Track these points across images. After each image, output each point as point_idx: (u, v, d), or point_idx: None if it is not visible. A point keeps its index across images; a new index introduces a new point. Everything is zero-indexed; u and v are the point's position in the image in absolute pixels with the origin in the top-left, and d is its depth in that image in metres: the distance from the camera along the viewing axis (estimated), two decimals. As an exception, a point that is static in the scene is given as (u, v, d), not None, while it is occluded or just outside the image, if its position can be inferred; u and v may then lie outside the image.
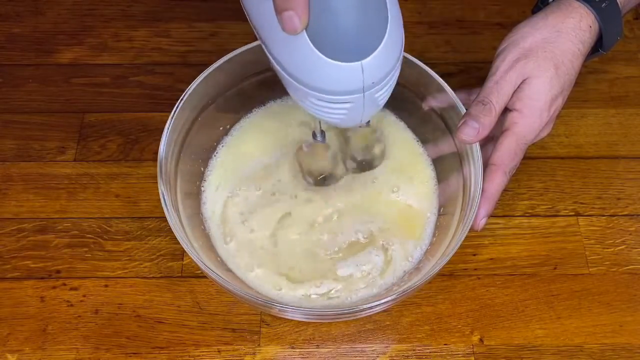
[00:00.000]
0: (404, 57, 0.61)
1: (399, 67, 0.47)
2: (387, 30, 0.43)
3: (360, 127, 0.59)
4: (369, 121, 0.56)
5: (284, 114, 0.67)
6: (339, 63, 0.43)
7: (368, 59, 0.43)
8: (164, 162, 0.57)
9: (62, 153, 0.69)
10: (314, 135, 0.59)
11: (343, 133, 0.65)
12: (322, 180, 0.64)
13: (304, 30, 0.42)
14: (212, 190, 0.64)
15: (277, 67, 0.47)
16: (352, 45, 0.42)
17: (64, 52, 0.76)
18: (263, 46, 0.48)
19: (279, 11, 0.41)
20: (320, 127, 0.58)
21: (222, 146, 0.66)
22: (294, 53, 0.44)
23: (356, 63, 0.43)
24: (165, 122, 0.58)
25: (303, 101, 0.47)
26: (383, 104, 0.48)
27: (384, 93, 0.47)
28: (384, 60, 0.44)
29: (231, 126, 0.67)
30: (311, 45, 0.42)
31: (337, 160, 0.65)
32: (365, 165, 0.65)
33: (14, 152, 0.69)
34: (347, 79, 0.44)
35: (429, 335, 0.60)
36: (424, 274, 0.54)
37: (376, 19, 0.43)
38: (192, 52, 0.76)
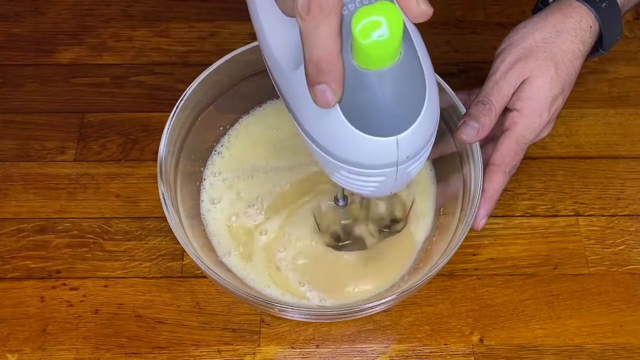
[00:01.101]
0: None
1: (433, 139, 0.45)
2: (425, 105, 0.41)
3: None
4: None
5: (284, 114, 0.67)
6: (373, 138, 0.40)
7: (404, 134, 0.40)
8: (164, 162, 0.57)
9: (62, 153, 0.69)
10: (336, 199, 0.58)
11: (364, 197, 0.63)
12: (338, 242, 0.62)
13: (337, 104, 0.40)
14: (212, 190, 0.64)
15: (306, 138, 0.44)
16: (387, 120, 0.40)
17: (64, 52, 0.76)
18: (291, 115, 0.45)
19: (311, 84, 0.39)
20: (343, 192, 0.57)
21: (222, 146, 0.66)
22: (325, 126, 0.42)
23: (391, 138, 0.40)
24: (165, 122, 0.58)
25: (333, 173, 0.45)
26: (415, 176, 0.47)
27: (417, 166, 0.45)
28: (419, 135, 0.42)
29: (231, 126, 0.67)
30: (344, 119, 0.40)
31: (356, 224, 0.63)
32: (387, 230, 0.63)
33: (14, 152, 0.69)
34: (381, 153, 0.42)
35: (429, 335, 0.60)
36: (424, 274, 0.54)
37: (414, 92, 0.40)
38: (192, 52, 0.76)
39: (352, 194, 0.58)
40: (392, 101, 0.39)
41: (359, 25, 0.36)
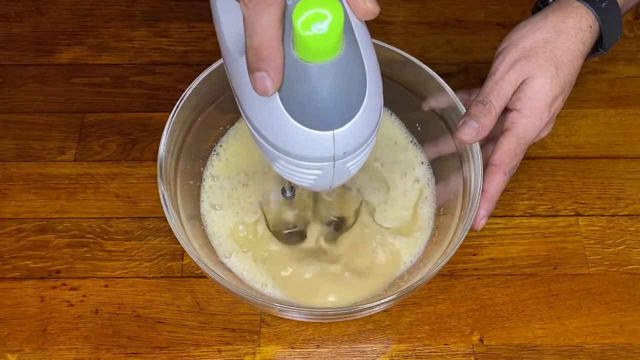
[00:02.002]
0: (404, 57, 0.61)
1: (375, 138, 0.45)
2: (364, 103, 0.41)
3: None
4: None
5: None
6: (310, 130, 0.41)
7: (341, 129, 0.41)
8: (164, 162, 0.57)
9: (62, 153, 0.69)
10: (283, 190, 0.58)
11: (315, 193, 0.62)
12: (289, 236, 0.62)
13: (277, 93, 0.40)
14: (212, 190, 0.64)
15: (249, 126, 0.45)
16: (325, 114, 0.40)
17: (64, 52, 0.76)
18: (237, 102, 0.46)
19: (251, 70, 0.39)
20: (290, 183, 0.57)
21: (222, 146, 0.66)
22: (265, 114, 0.42)
23: (328, 132, 0.41)
24: (165, 122, 0.58)
25: (273, 163, 0.46)
26: (355, 173, 0.47)
27: (356, 163, 0.45)
28: (357, 132, 0.42)
29: (231, 126, 0.67)
30: (283, 109, 0.40)
31: (306, 217, 0.62)
32: (338, 225, 0.63)
33: (14, 152, 0.69)
34: (318, 147, 0.42)
35: (428, 335, 0.60)
36: (424, 274, 0.54)
37: (354, 88, 0.41)
38: (192, 52, 0.76)
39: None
40: (330, 95, 0.40)
41: (300, 17, 0.37)
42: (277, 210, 0.62)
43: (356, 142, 0.43)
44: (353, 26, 0.40)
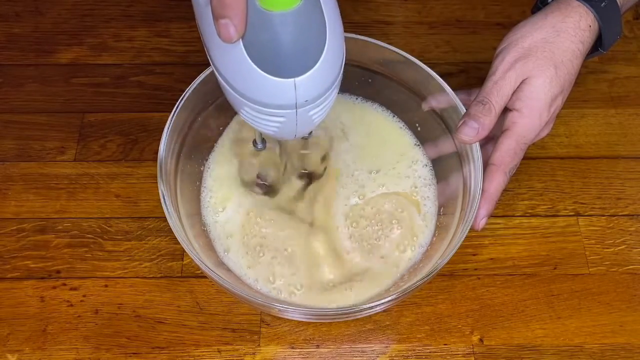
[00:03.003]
0: (404, 57, 0.61)
1: (337, 88, 0.47)
2: (324, 52, 0.43)
3: (304, 138, 0.59)
4: (310, 133, 0.56)
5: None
6: (272, 77, 0.43)
7: (301, 77, 0.43)
8: (164, 162, 0.57)
9: (62, 153, 0.69)
10: (254, 142, 0.59)
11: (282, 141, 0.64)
12: (265, 188, 0.63)
13: (240, 40, 0.42)
14: (212, 189, 0.64)
15: (216, 74, 0.46)
16: (286, 61, 0.42)
17: (64, 52, 0.76)
18: (206, 51, 0.47)
19: (215, 17, 0.41)
20: (261, 135, 0.58)
21: (222, 146, 0.66)
22: (230, 61, 0.44)
23: (289, 80, 0.43)
24: (165, 122, 0.58)
25: (238, 109, 0.47)
26: (318, 122, 0.48)
27: (318, 112, 0.47)
28: (318, 80, 0.44)
29: (231, 126, 0.67)
30: (246, 55, 0.42)
31: (278, 168, 0.64)
32: (309, 174, 0.64)
33: (14, 152, 0.69)
34: (279, 94, 0.44)
35: (428, 335, 0.60)
36: (424, 274, 0.54)
37: (313, 39, 0.42)
38: (192, 52, 0.76)
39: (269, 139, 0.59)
40: (291, 44, 0.42)
41: None
42: (250, 164, 0.63)
43: (317, 91, 0.44)
44: None
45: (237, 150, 0.65)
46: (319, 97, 0.45)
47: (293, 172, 0.64)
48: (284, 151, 0.63)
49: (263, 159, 0.63)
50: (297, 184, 0.64)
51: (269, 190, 0.64)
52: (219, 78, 0.46)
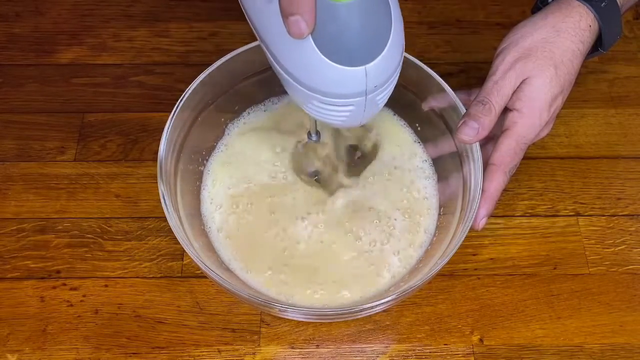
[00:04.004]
0: (404, 57, 0.61)
1: (399, 70, 0.48)
2: (391, 35, 0.44)
3: (313, 142, 0.60)
4: (319, 136, 0.59)
5: (283, 113, 0.67)
6: (344, 67, 0.43)
7: (372, 63, 0.43)
8: (164, 162, 0.57)
9: (62, 153, 0.69)
10: (309, 134, 0.60)
11: (335, 132, 0.65)
12: (314, 177, 0.65)
13: (310, 35, 0.42)
14: (212, 189, 0.64)
15: (278, 69, 0.47)
16: (356, 50, 0.43)
17: (64, 52, 0.76)
18: (263, 47, 0.48)
19: (285, 15, 0.41)
20: (316, 127, 0.59)
21: (222, 146, 0.66)
22: (297, 56, 0.45)
23: (360, 67, 0.43)
24: (165, 122, 0.58)
25: (305, 104, 0.48)
26: (382, 106, 0.49)
27: (384, 95, 0.48)
28: (386, 65, 0.45)
29: (231, 126, 0.67)
30: (316, 49, 0.43)
31: (330, 158, 0.65)
32: (359, 162, 0.65)
33: (14, 152, 0.69)
34: (351, 83, 0.44)
35: (429, 335, 0.60)
36: (424, 274, 0.54)
37: (380, 24, 0.43)
38: (192, 52, 0.76)
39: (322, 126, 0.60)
40: (360, 32, 0.43)
41: None
42: (304, 156, 0.65)
43: (386, 75, 0.45)
44: None
45: (281, 142, 0.65)
46: (387, 81, 0.46)
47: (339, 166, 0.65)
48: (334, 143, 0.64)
49: (313, 151, 0.64)
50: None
51: (315, 179, 0.65)
52: (284, 75, 0.47)
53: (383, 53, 0.44)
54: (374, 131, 0.66)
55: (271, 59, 0.47)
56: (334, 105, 0.46)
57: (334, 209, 0.62)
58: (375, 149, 0.66)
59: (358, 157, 0.66)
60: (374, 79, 0.45)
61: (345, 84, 0.44)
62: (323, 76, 0.44)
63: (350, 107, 0.46)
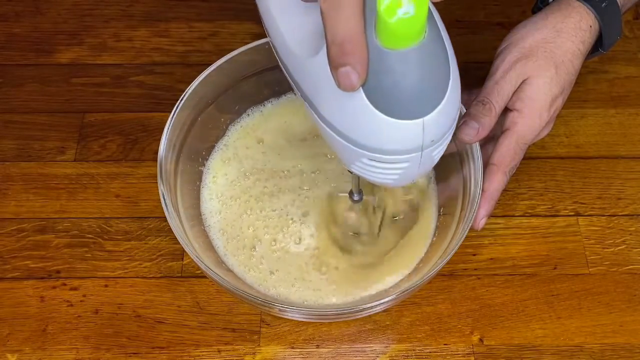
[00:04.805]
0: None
1: (456, 120, 0.43)
2: (450, 85, 0.40)
3: (354, 201, 0.57)
4: (361, 195, 0.54)
5: (284, 114, 0.67)
6: (398, 121, 0.39)
7: (430, 115, 0.39)
8: (164, 162, 0.57)
9: (62, 153, 0.69)
10: (351, 194, 0.57)
11: (375, 189, 0.62)
12: (354, 235, 0.62)
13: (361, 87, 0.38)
14: (212, 189, 0.64)
15: (323, 126, 0.43)
16: (413, 102, 0.39)
17: (64, 52, 0.76)
18: (305, 102, 0.44)
19: (334, 66, 0.37)
20: (359, 186, 0.55)
21: (222, 145, 0.66)
22: (346, 111, 0.40)
23: (418, 120, 0.39)
24: (165, 122, 0.58)
25: (353, 162, 0.43)
26: (437, 160, 0.45)
27: (440, 150, 0.43)
28: (445, 116, 0.40)
29: (231, 126, 0.67)
30: (368, 102, 0.38)
31: (368, 217, 0.62)
32: (399, 223, 0.62)
33: (14, 152, 0.69)
34: (407, 137, 0.40)
35: (428, 335, 0.60)
36: (424, 274, 0.54)
37: (439, 72, 0.39)
38: (192, 52, 0.76)
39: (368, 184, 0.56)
40: (418, 82, 0.38)
41: (384, 3, 0.35)
42: (341, 214, 0.62)
43: (444, 128, 0.41)
44: (431, 9, 0.39)
45: (281, 142, 0.63)
46: (445, 134, 0.42)
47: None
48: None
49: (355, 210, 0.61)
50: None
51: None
52: (329, 132, 0.42)
53: (442, 103, 0.39)
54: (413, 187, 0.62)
55: (315, 116, 0.43)
56: (386, 162, 0.42)
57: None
58: (413, 207, 0.62)
59: (397, 217, 0.62)
60: (432, 133, 0.40)
61: (401, 139, 0.40)
62: (375, 131, 0.40)
63: (405, 164, 0.42)
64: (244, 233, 0.62)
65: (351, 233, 0.62)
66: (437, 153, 0.43)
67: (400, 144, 0.41)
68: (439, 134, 0.41)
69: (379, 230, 0.62)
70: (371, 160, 0.42)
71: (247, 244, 0.61)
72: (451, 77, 0.40)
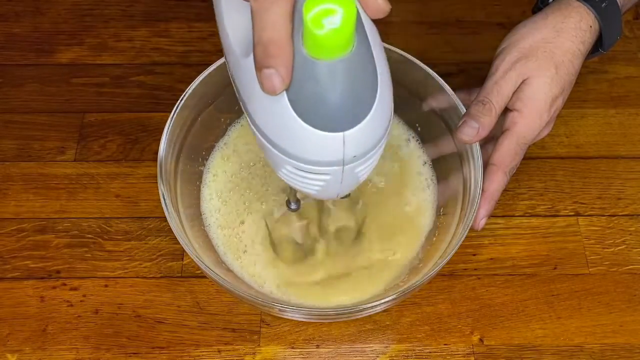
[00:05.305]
0: (404, 57, 0.61)
1: (385, 141, 0.43)
2: (375, 103, 0.39)
3: (339, 198, 0.55)
4: (348, 193, 0.52)
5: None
6: (319, 132, 0.38)
7: (351, 131, 0.39)
8: (164, 162, 0.57)
9: (62, 153, 0.69)
10: (288, 202, 0.56)
11: (320, 202, 0.61)
12: (294, 252, 0.61)
13: (285, 92, 0.38)
14: (212, 189, 0.64)
15: (252, 129, 0.43)
16: (335, 114, 0.38)
17: (64, 52, 0.76)
18: (241, 105, 0.44)
19: (259, 67, 0.37)
20: (296, 195, 0.55)
21: (222, 145, 0.66)
22: (271, 115, 0.40)
23: (338, 134, 0.39)
24: (165, 122, 0.58)
25: (279, 168, 0.43)
26: (363, 179, 0.45)
27: (365, 168, 0.43)
28: (368, 134, 0.40)
29: (231, 126, 0.67)
30: (290, 109, 0.38)
31: (309, 232, 0.61)
32: (342, 239, 0.62)
33: (14, 152, 0.69)
34: (327, 149, 0.40)
35: (428, 335, 0.60)
36: (424, 274, 0.54)
37: (364, 89, 0.39)
38: (192, 52, 0.76)
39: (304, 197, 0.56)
40: (341, 95, 0.38)
41: (311, 12, 0.35)
42: (281, 224, 0.61)
43: (367, 145, 0.41)
44: (364, 24, 0.39)
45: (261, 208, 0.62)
46: (369, 152, 0.41)
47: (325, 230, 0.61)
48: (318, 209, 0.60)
49: (298, 217, 0.60)
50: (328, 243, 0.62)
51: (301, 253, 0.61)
52: (257, 134, 0.42)
53: (365, 121, 0.39)
54: (360, 204, 0.62)
55: (247, 118, 0.43)
56: (308, 172, 0.42)
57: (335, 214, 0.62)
58: (359, 227, 0.62)
59: (341, 233, 0.62)
60: (353, 149, 0.40)
61: (320, 150, 0.40)
62: (297, 140, 0.40)
63: (326, 177, 0.42)
64: (244, 232, 0.62)
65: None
66: (362, 170, 0.43)
67: (321, 156, 0.40)
68: (361, 151, 0.41)
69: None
70: (294, 167, 0.42)
71: (247, 244, 0.61)
72: (378, 95, 0.39)
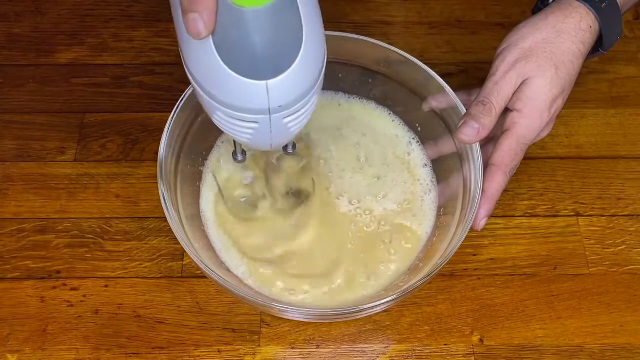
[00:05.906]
0: (404, 57, 0.61)
1: (316, 94, 0.44)
2: (300, 53, 0.40)
3: (286, 153, 0.56)
4: (294, 147, 0.54)
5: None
6: (242, 78, 0.40)
7: (274, 79, 0.40)
8: (164, 162, 0.57)
9: (62, 153, 0.69)
10: (234, 154, 0.56)
11: (268, 158, 0.62)
12: (241, 204, 0.62)
13: (211, 38, 0.39)
14: (212, 189, 0.64)
15: (189, 77, 0.44)
16: (258, 62, 0.40)
17: (64, 52, 0.76)
18: (180, 52, 0.45)
19: (184, 12, 0.39)
20: (241, 146, 0.56)
21: (222, 145, 0.66)
22: (201, 61, 0.42)
23: (260, 82, 0.40)
24: (165, 122, 0.58)
25: (211, 114, 0.45)
26: (295, 132, 0.45)
27: (294, 120, 0.44)
28: (293, 84, 0.41)
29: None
30: (216, 54, 0.40)
31: (258, 186, 0.62)
32: (293, 198, 0.62)
33: (14, 152, 0.69)
34: (250, 97, 0.41)
35: (428, 335, 0.60)
36: (424, 274, 0.54)
37: (288, 38, 0.40)
38: (192, 52, 0.76)
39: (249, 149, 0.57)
40: (264, 43, 0.39)
41: None
42: (230, 176, 0.62)
43: (292, 95, 0.42)
44: None
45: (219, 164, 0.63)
46: (295, 103, 0.42)
47: (279, 191, 0.62)
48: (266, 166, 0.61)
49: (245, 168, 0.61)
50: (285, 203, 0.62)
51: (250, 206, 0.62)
52: (191, 80, 0.44)
53: (289, 70, 0.40)
54: (306, 161, 0.62)
55: (183, 64, 0.45)
56: (237, 119, 0.43)
57: (335, 211, 0.62)
58: (308, 186, 0.62)
59: (290, 191, 0.63)
60: (278, 98, 0.41)
61: (246, 97, 0.41)
62: (223, 85, 0.41)
63: (253, 124, 0.43)
64: (244, 233, 0.62)
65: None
66: (291, 121, 0.43)
67: (246, 102, 0.41)
68: (287, 101, 0.42)
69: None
70: (223, 113, 0.43)
71: (247, 244, 0.61)
72: (303, 46, 0.40)
